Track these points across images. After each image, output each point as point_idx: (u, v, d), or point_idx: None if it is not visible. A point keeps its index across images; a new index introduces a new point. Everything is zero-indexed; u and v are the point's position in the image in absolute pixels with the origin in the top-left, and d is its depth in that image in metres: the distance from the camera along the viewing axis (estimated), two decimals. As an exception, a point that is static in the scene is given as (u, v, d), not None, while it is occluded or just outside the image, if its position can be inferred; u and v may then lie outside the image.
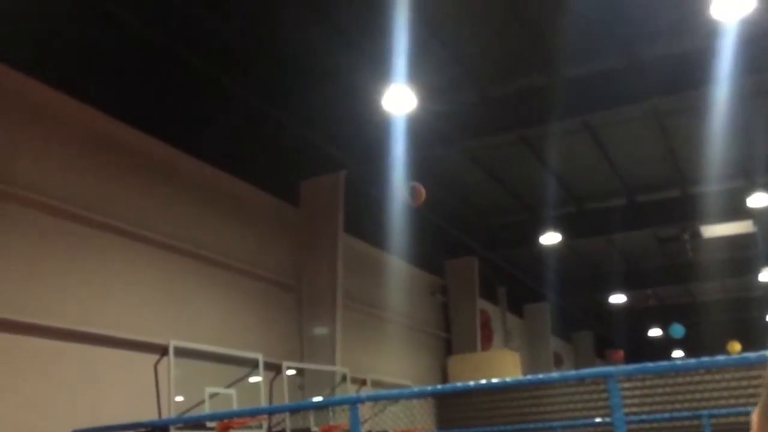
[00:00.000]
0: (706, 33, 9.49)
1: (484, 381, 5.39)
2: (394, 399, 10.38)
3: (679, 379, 11.23)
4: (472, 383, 5.34)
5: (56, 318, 7.89)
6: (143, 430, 7.39)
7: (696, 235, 17.87)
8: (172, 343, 7.76)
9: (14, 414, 7.28)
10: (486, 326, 19.62)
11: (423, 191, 9.43)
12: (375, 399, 7.55)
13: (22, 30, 7.76)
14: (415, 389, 6.98)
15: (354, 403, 5.76)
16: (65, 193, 8.33)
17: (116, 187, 9.12)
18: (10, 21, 7.19)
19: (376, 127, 11.02)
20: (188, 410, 7.92)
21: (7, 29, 7.16)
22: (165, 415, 7.44)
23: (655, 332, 28.71)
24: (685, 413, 10.49)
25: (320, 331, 12.16)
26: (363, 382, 12.17)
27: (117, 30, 8.57)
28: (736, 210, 15.53)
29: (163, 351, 7.69)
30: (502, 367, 16.63)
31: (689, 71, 10.29)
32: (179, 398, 8.09)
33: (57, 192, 8.23)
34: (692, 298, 26.33)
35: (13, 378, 7.38)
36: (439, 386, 12.90)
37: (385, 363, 14.62)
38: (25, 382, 7.47)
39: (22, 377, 7.45)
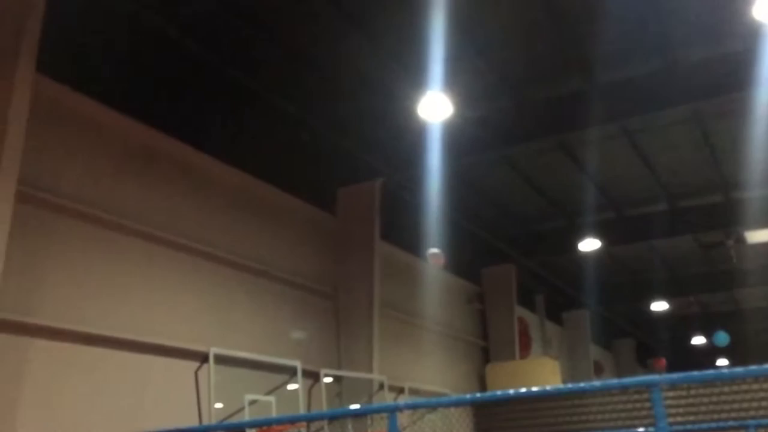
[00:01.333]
0: (749, 34, 9.30)
1: (524, 389, 5.32)
2: (433, 407, 10.32)
3: (725, 389, 10.94)
4: (511, 391, 5.27)
5: (99, 326, 8.05)
6: (184, 436, 7.48)
7: (740, 240, 17.44)
8: (213, 351, 7.86)
9: (59, 420, 7.44)
10: (524, 334, 19.43)
11: (442, 258, 10.14)
12: (414, 407, 7.50)
13: (70, 46, 7.97)
14: (454, 397, 6.94)
15: (393, 411, 5.74)
16: (109, 204, 8.51)
17: (159, 198, 9.28)
18: (60, 38, 7.39)
19: (413, 135, 11.03)
20: (228, 417, 7.99)
21: (57, 46, 7.35)
22: (205, 422, 7.53)
23: (698, 340, 28.08)
24: (731, 423, 10.21)
25: (357, 338, 12.17)
26: (401, 390, 12.16)
27: (160, 45, 8.74)
28: (782, 214, 15.13)
29: (203, 358, 7.80)
30: (541, 376, 16.43)
31: (731, 74, 10.09)
32: (219, 405, 8.17)
33: (101, 203, 8.42)
34: (737, 305, 25.68)
35: (58, 384, 7.54)
36: (478, 394, 12.81)
37: (423, 371, 14.57)
38: (69, 389, 7.63)
39: (66, 383, 7.61)
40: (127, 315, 8.48)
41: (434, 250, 10.18)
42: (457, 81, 9.75)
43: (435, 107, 9.93)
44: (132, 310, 8.57)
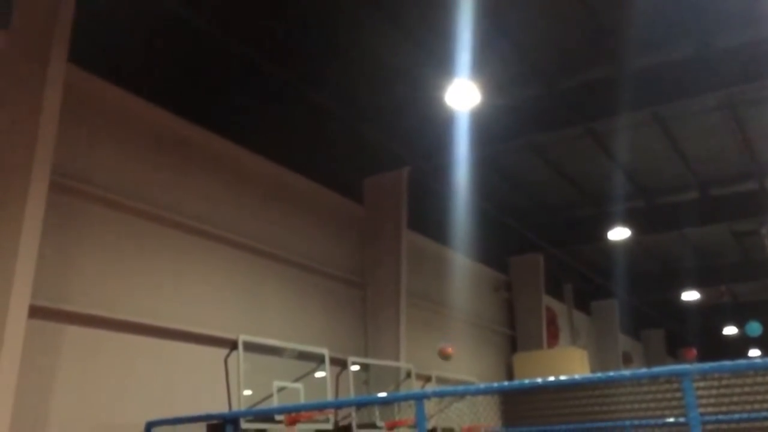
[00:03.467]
0: (785, 18, 9.08)
1: (552, 378, 5.29)
2: (461, 395, 10.33)
3: (758, 379, 10.80)
4: (540, 380, 5.26)
5: (131, 313, 8.18)
6: (214, 422, 7.58)
7: (775, 229, 17.11)
8: (242, 338, 7.93)
9: (91, 405, 7.60)
10: (552, 324, 19.32)
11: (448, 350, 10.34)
12: (441, 395, 7.55)
13: (99, 36, 8.06)
14: (482, 385, 6.95)
15: (420, 398, 5.77)
16: (140, 193, 8.63)
17: (189, 187, 9.39)
18: (89, 28, 7.47)
19: (440, 123, 10.98)
20: (257, 403, 8.07)
21: (87, 36, 7.44)
22: (235, 408, 7.61)
23: (730, 330, 27.66)
24: (764, 414, 10.08)
25: (385, 326, 12.20)
26: (428, 379, 12.15)
27: (189, 35, 8.80)
28: (818, 203, 14.82)
29: (232, 345, 7.87)
30: (569, 365, 16.33)
31: (765, 59, 9.86)
32: (248, 392, 8.25)
33: (134, 192, 8.54)
34: (770, 295, 25.25)
35: (91, 370, 7.69)
36: (506, 383, 12.78)
37: (450, 360, 14.56)
38: (101, 375, 7.77)
39: (98, 370, 7.76)
40: (158, 302, 8.60)
41: (444, 345, 10.53)
42: (485, 68, 9.67)
43: (463, 95, 9.86)
44: (163, 298, 8.70)
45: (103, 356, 7.83)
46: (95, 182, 8.11)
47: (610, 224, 16.18)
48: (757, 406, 10.81)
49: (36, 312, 6.87)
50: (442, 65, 9.62)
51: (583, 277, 20.67)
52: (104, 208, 8.19)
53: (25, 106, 6.82)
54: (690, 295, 23.25)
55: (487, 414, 11.53)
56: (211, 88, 9.74)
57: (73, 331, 7.58)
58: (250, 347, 8.09)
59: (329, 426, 8.66)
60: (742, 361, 4.68)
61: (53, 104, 6.89)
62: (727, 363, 4.69)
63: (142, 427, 7.63)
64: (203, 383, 8.61)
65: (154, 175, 8.95)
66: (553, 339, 19.19)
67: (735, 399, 11.02)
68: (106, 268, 8.09)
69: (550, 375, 5.74)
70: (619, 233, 16.36)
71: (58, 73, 6.94)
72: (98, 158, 8.27)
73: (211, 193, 9.74)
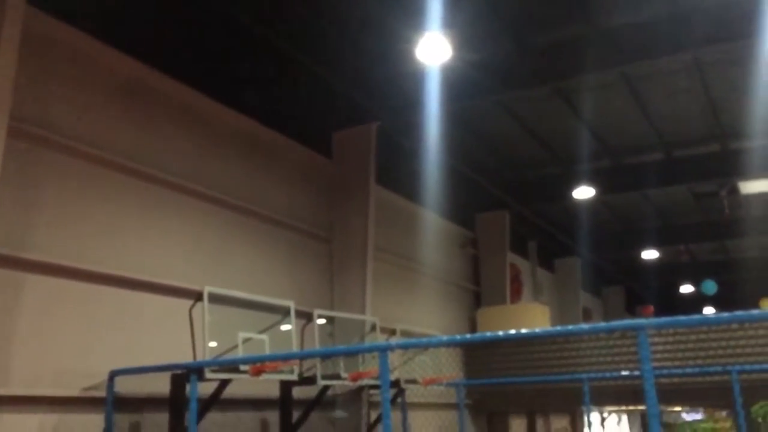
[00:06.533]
0: (754, -20, 9.14)
1: (513, 331, 5.42)
2: (424, 347, 10.50)
3: (712, 335, 11.20)
4: (501, 333, 5.38)
5: (95, 263, 8.10)
6: (179, 371, 7.62)
7: (734, 191, 17.52)
8: (207, 290, 7.90)
9: (56, 355, 7.56)
10: (516, 280, 19.64)
11: None
12: (405, 347, 7.66)
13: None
14: (445, 338, 7.06)
15: (384, 350, 5.85)
16: (103, 141, 8.46)
17: (153, 137, 9.22)
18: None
19: (410, 78, 10.90)
20: (222, 354, 8.11)
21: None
22: (200, 358, 7.63)
23: (686, 289, 28.48)
24: (715, 368, 10.48)
25: (351, 280, 12.28)
26: (392, 332, 12.32)
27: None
28: (776, 166, 15.16)
29: (197, 297, 7.85)
30: (531, 320, 16.69)
31: (733, 21, 9.95)
32: (213, 343, 8.28)
33: (95, 140, 8.36)
34: (727, 254, 25.95)
35: (55, 320, 7.63)
36: (468, 335, 13.00)
37: (415, 314, 14.76)
38: (65, 325, 7.72)
39: (62, 320, 7.70)
40: (122, 252, 8.52)
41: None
42: (456, 23, 9.58)
43: (433, 49, 9.79)
44: (127, 248, 8.62)
45: (66, 305, 7.77)
46: (57, 129, 7.91)
47: (575, 183, 16.40)
48: (710, 361, 11.22)
49: (-4, 260, 6.78)
50: (413, 18, 9.51)
51: (548, 235, 21.00)
52: (66, 156, 8.01)
53: (-19, 48, 6.59)
54: (650, 254, 23.80)
55: (449, 366, 11.77)
56: (178, 37, 9.51)
57: (35, 279, 7.49)
58: (215, 299, 8.07)
59: (294, 377, 8.76)
60: (695, 316, 4.82)
61: (11, 47, 6.68)
62: (682, 318, 4.83)
63: (106, 375, 7.65)
64: (168, 334, 8.62)
65: (119, 124, 8.77)
66: (517, 295, 19.54)
67: (689, 354, 11.43)
68: (68, 217, 7.97)
69: (512, 329, 5.87)
70: (583, 192, 16.60)
71: (15, 13, 6.70)
72: (60, 105, 8.06)
73: (176, 143, 9.59)
